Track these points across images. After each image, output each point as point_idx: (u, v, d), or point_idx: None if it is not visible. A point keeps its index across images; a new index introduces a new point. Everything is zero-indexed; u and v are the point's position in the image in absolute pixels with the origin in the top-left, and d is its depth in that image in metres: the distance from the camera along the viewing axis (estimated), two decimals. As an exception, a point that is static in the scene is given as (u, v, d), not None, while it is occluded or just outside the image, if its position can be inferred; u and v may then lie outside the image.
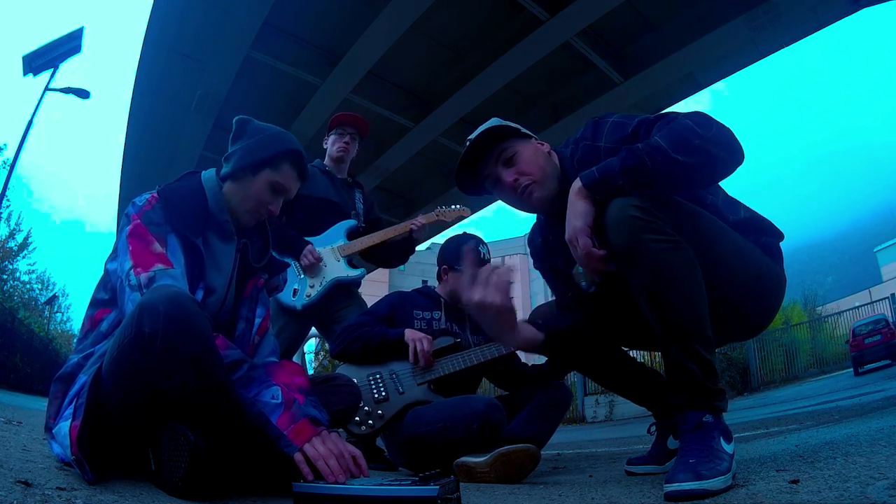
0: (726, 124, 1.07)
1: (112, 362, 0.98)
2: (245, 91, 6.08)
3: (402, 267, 3.23)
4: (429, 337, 1.87)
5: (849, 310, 14.39)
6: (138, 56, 5.85)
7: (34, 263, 19.72)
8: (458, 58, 5.99)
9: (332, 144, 2.66)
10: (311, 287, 2.37)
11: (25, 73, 8.25)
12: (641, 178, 1.02)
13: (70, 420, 0.97)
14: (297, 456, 0.98)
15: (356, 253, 2.50)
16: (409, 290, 2.20)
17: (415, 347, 1.83)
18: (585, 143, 1.24)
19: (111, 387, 0.99)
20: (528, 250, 1.48)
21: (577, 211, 1.07)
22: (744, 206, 1.25)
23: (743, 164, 1.08)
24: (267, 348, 1.31)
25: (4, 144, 14.42)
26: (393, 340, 1.87)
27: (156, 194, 1.17)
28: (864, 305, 14.77)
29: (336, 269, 2.42)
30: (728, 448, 0.98)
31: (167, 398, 0.95)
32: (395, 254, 2.64)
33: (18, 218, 17.12)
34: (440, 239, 2.63)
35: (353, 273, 2.45)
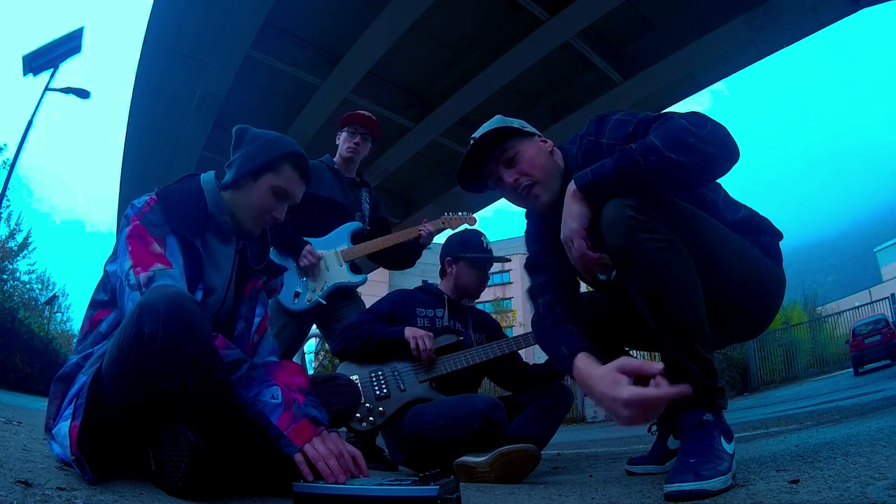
0: (724, 124, 1.07)
1: (112, 362, 0.98)
2: (245, 91, 6.08)
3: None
4: (430, 334, 1.87)
5: (849, 310, 14.40)
6: (138, 56, 5.86)
7: (34, 263, 19.76)
8: (458, 58, 5.99)
9: (342, 143, 2.62)
10: (313, 291, 2.36)
11: (25, 73, 8.24)
12: (635, 179, 1.03)
13: (70, 420, 0.97)
14: (298, 456, 0.98)
15: (360, 257, 2.49)
16: (411, 288, 2.20)
17: (416, 345, 1.83)
18: (589, 139, 1.24)
19: (111, 387, 0.99)
20: (526, 228, 1.47)
21: (573, 213, 1.08)
22: (744, 205, 1.26)
23: (743, 164, 1.09)
24: (266, 348, 1.31)
25: (4, 144, 14.45)
26: (393, 339, 1.87)
27: (154, 196, 1.17)
28: (864, 305, 14.78)
29: (338, 273, 2.40)
30: (728, 448, 0.98)
31: (167, 398, 0.95)
32: (399, 258, 2.63)
33: (18, 218, 17.17)
34: (440, 239, 2.62)
35: (355, 279, 2.44)
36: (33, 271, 19.86)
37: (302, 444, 0.99)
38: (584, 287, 1.38)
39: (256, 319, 1.30)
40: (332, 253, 2.42)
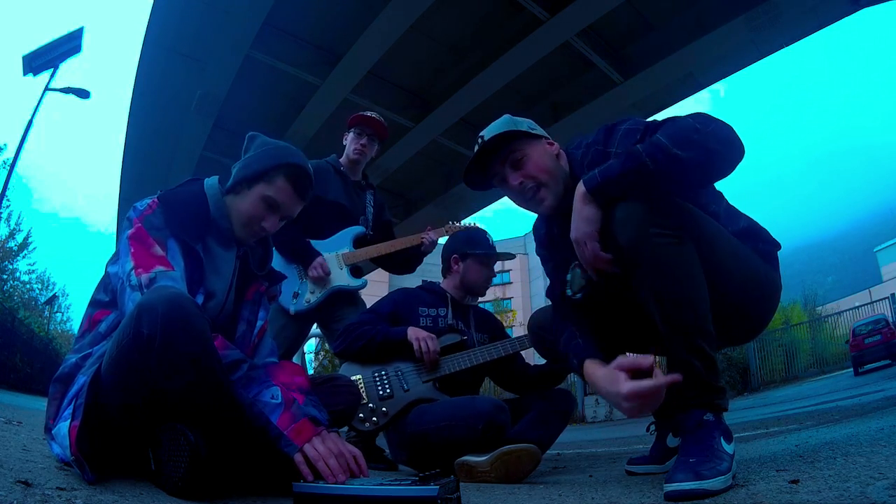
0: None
1: (111, 362, 0.98)
2: (245, 91, 6.08)
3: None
4: (433, 336, 1.86)
5: (849, 310, 14.40)
6: (138, 56, 5.86)
7: (34, 263, 19.76)
8: (458, 58, 5.99)
9: (349, 144, 2.60)
10: (312, 293, 2.36)
11: (25, 73, 8.24)
12: (643, 180, 1.04)
13: (69, 420, 0.97)
14: (297, 456, 0.98)
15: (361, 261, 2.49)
16: (412, 287, 2.19)
17: (420, 347, 1.82)
18: (597, 148, 1.25)
19: (111, 387, 0.99)
20: (533, 236, 1.49)
21: (585, 216, 1.10)
22: (745, 215, 1.28)
23: (743, 164, 1.10)
24: (265, 349, 1.31)
25: (4, 144, 14.45)
26: (396, 339, 1.86)
27: (157, 199, 1.17)
28: (864, 305, 14.78)
29: (338, 276, 2.40)
30: (728, 448, 0.99)
31: (167, 398, 0.95)
32: (400, 264, 2.63)
33: (18, 218, 17.15)
34: (441, 240, 2.62)
35: (355, 283, 2.43)
36: (33, 271, 19.90)
37: (302, 444, 0.99)
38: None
39: (259, 323, 1.30)
40: (333, 256, 2.41)
